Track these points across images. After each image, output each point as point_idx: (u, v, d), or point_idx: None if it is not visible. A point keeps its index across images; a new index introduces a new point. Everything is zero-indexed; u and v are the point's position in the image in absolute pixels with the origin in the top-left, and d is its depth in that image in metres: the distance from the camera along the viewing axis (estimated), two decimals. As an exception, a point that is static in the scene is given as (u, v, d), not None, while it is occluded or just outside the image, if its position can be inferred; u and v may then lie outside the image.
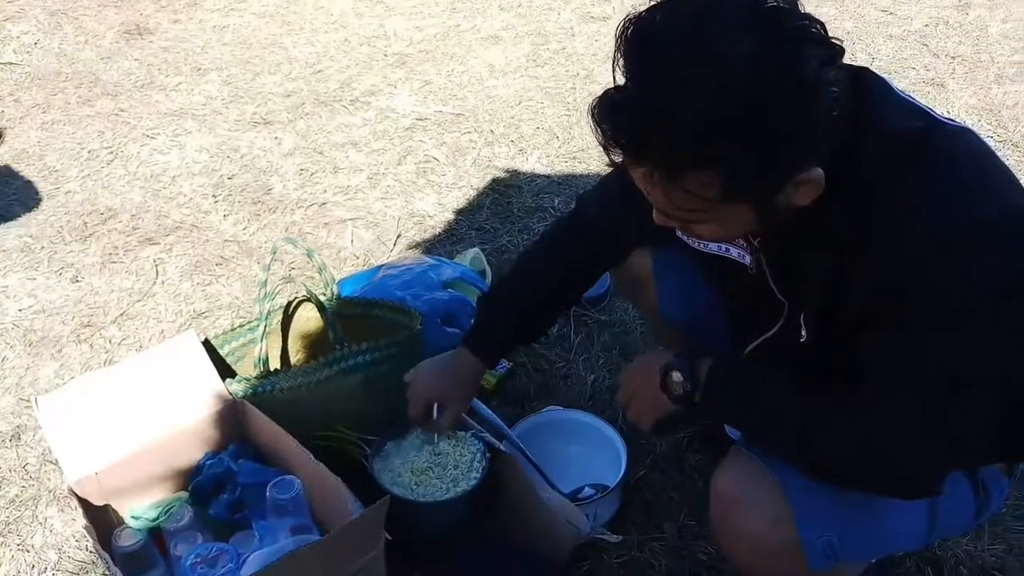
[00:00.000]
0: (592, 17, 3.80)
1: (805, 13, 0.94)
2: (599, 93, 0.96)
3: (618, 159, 0.98)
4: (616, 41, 0.95)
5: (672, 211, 1.02)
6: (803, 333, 1.12)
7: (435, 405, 1.51)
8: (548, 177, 2.74)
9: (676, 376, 1.22)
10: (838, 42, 0.95)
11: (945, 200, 0.98)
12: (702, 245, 1.26)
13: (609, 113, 0.95)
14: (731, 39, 0.89)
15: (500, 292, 1.55)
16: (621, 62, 0.94)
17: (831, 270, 1.05)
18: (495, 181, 2.74)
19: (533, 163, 2.82)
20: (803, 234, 1.06)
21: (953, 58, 3.42)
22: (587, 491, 1.64)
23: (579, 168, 2.76)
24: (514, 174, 2.77)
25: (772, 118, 0.90)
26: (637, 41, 0.94)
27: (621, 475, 1.63)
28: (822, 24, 0.94)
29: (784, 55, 0.90)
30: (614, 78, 0.95)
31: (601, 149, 0.97)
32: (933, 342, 1.00)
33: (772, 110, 0.89)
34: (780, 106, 0.90)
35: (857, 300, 1.03)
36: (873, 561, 1.36)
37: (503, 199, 2.65)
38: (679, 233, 1.27)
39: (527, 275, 1.50)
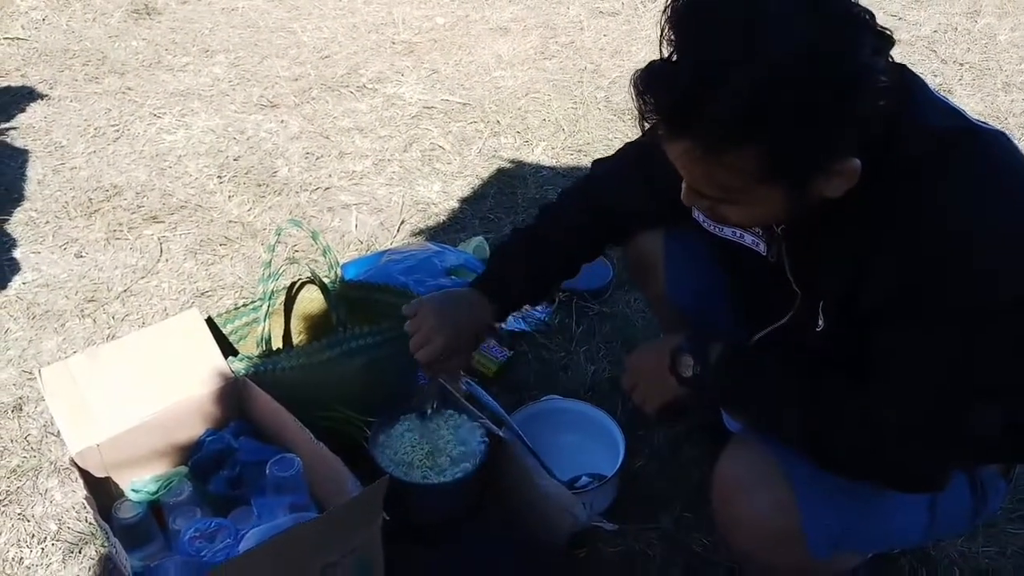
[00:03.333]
0: (601, 12, 3.80)
1: (856, 1, 0.93)
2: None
3: (657, 132, 0.96)
4: (664, 11, 0.93)
5: (705, 189, 1.01)
6: (820, 322, 1.12)
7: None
8: (553, 169, 2.75)
9: (686, 358, 1.22)
10: (888, 31, 0.94)
11: (975, 202, 0.98)
12: (717, 229, 1.26)
13: (654, 83, 0.93)
14: (786, 19, 0.88)
15: (514, 246, 1.49)
16: (669, 34, 0.93)
17: (853, 262, 1.05)
18: (500, 171, 2.74)
19: (538, 155, 2.82)
20: (828, 225, 1.06)
21: (961, 65, 3.43)
22: (584, 480, 1.65)
23: (584, 161, 2.76)
24: (519, 165, 2.78)
25: (820, 102, 0.89)
26: (688, 13, 0.92)
27: (619, 465, 1.64)
28: (871, 13, 0.93)
29: (838, 41, 0.89)
30: (660, 50, 0.94)
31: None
32: (948, 341, 1.00)
33: (821, 94, 0.89)
34: (829, 91, 0.89)
35: (877, 294, 1.03)
36: (870, 556, 1.37)
37: (508, 189, 2.65)
38: (695, 215, 1.27)
39: (540, 234, 1.47)
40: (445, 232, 2.47)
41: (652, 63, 0.95)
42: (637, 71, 0.95)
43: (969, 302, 0.97)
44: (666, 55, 0.94)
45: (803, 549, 1.15)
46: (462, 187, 2.67)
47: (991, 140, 1.03)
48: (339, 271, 1.77)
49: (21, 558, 1.59)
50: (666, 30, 0.93)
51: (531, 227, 1.49)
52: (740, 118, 0.89)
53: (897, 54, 0.98)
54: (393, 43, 3.54)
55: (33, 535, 1.62)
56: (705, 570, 1.57)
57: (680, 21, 0.93)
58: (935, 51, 3.52)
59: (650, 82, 0.94)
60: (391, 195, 2.62)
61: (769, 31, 0.88)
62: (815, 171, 0.96)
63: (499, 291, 1.45)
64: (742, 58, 0.87)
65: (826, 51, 0.88)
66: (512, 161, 2.80)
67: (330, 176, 2.70)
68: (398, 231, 2.47)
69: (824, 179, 0.97)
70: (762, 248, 1.20)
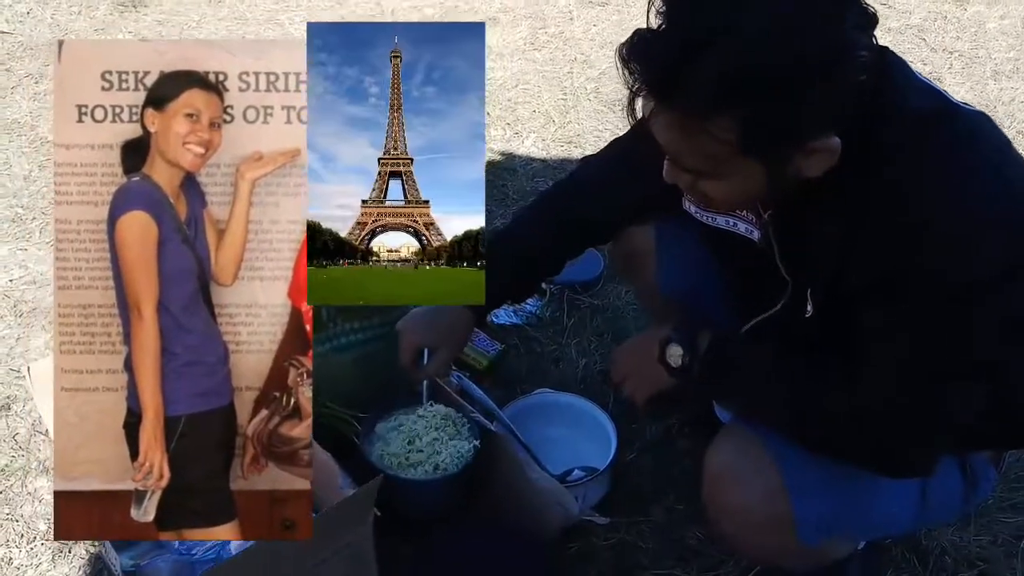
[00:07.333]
0: (591, 2, 3.78)
1: None
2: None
3: (641, 103, 0.97)
4: None
5: (686, 161, 1.02)
6: (808, 309, 1.12)
7: (424, 352, 1.49)
8: (543, 161, 2.73)
9: (675, 348, 1.22)
10: (872, 9, 0.95)
11: (955, 183, 0.98)
12: (709, 219, 1.26)
13: (639, 52, 0.94)
14: None
15: (495, 245, 1.48)
16: (658, 3, 0.94)
17: (837, 246, 1.05)
18: (490, 163, 2.73)
19: (529, 146, 2.81)
20: (812, 209, 1.06)
21: (950, 53, 3.43)
22: (576, 473, 1.65)
23: (575, 153, 2.74)
24: (509, 157, 2.76)
25: (802, 72, 0.90)
26: None
27: (611, 458, 1.64)
28: None
29: (820, 14, 0.90)
30: (647, 20, 0.95)
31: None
32: (931, 321, 1.00)
33: (800, 66, 0.90)
34: (808, 63, 0.90)
35: (859, 276, 1.03)
36: (861, 546, 1.37)
37: (498, 182, 2.64)
38: (686, 205, 1.27)
39: (522, 231, 1.48)
40: (435, 225, 2.45)
41: (637, 31, 0.96)
42: (623, 43, 0.96)
43: (948, 283, 0.98)
44: (655, 26, 0.95)
45: (793, 536, 1.16)
46: (452, 180, 2.65)
47: (972, 121, 1.03)
48: (328, 266, 1.76)
49: (10, 558, 1.58)
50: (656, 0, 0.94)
51: (513, 229, 1.50)
52: (720, 86, 0.90)
53: (886, 42, 0.99)
54: (381, 35, 3.51)
55: (22, 535, 1.61)
56: (698, 562, 1.58)
57: None
58: (924, 39, 3.52)
59: (634, 51, 0.95)
60: (381, 188, 2.61)
61: (754, 5, 0.89)
62: (794, 145, 0.97)
63: None
64: (725, 28, 0.89)
65: (807, 23, 0.89)
66: (502, 153, 2.78)
67: (319, 170, 2.68)
68: (388, 224, 2.46)
69: (803, 156, 0.98)
70: (756, 236, 1.20)
